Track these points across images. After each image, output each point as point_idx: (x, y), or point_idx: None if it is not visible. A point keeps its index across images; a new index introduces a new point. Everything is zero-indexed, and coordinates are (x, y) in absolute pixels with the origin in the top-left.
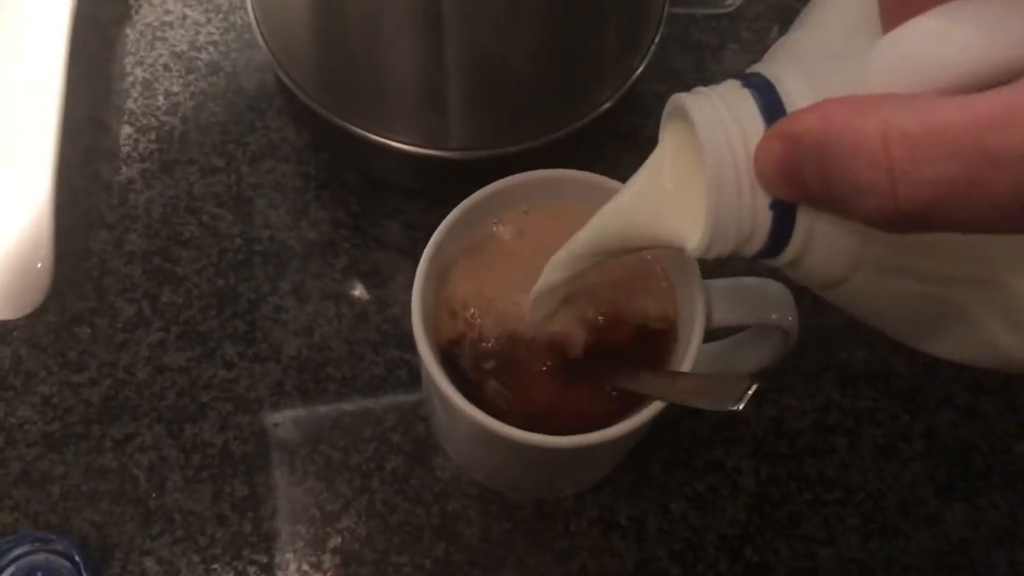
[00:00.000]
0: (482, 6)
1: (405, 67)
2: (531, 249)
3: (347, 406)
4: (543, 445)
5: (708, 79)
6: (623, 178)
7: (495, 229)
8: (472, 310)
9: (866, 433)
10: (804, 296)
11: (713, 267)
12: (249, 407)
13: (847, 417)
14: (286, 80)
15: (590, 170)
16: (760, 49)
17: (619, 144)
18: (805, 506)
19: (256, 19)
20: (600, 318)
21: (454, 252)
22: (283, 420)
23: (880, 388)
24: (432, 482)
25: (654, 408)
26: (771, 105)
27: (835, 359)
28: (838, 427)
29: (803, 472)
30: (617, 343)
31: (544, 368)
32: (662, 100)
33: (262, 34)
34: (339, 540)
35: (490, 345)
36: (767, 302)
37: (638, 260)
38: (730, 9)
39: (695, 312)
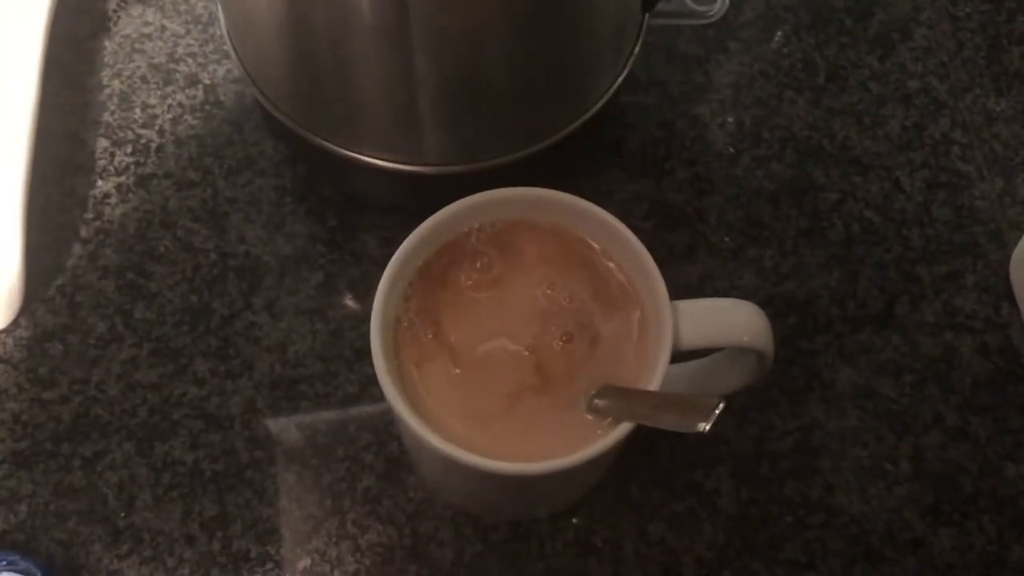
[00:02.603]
0: (451, 22)
1: (377, 85)
2: (501, 268)
3: (320, 425)
4: (509, 472)
5: (693, 90)
6: (608, 191)
7: (464, 247)
8: (438, 330)
9: (851, 455)
10: (786, 315)
11: (691, 288)
12: (220, 425)
13: (831, 438)
14: (258, 95)
15: (574, 181)
16: (747, 60)
17: (604, 155)
18: (787, 529)
19: (229, 35)
20: (568, 338)
21: (420, 270)
22: (254, 438)
23: (866, 408)
24: (404, 503)
25: (620, 431)
26: None
27: (819, 378)
28: (822, 448)
29: (785, 494)
30: (585, 363)
31: (513, 389)
32: (647, 111)
33: (235, 50)
34: (309, 561)
35: (458, 365)
36: (738, 323)
37: (606, 280)
38: (712, 20)
39: (662, 332)
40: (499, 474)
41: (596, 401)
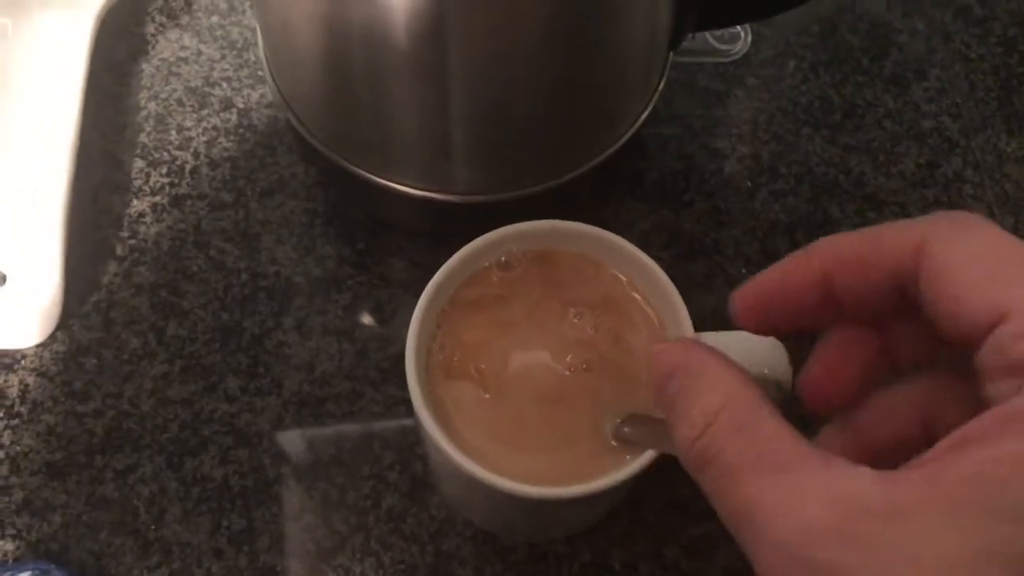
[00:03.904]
0: (487, 60)
1: (410, 114)
2: (529, 297)
3: (345, 443)
4: (534, 496)
5: (713, 124)
6: (629, 221)
7: (494, 276)
8: (468, 355)
9: None
10: (802, 348)
11: (707, 319)
12: (249, 441)
13: None
14: (293, 120)
15: (597, 211)
16: (765, 96)
17: (623, 187)
18: None
19: (267, 60)
20: (593, 366)
21: (452, 298)
22: (282, 455)
23: None
24: (427, 521)
25: (644, 459)
26: None
27: None
28: None
29: None
30: (610, 391)
31: (540, 414)
32: (667, 144)
33: (272, 75)
34: None
35: (487, 390)
36: (760, 355)
37: (632, 311)
38: (734, 58)
39: None
40: (525, 497)
41: (624, 429)
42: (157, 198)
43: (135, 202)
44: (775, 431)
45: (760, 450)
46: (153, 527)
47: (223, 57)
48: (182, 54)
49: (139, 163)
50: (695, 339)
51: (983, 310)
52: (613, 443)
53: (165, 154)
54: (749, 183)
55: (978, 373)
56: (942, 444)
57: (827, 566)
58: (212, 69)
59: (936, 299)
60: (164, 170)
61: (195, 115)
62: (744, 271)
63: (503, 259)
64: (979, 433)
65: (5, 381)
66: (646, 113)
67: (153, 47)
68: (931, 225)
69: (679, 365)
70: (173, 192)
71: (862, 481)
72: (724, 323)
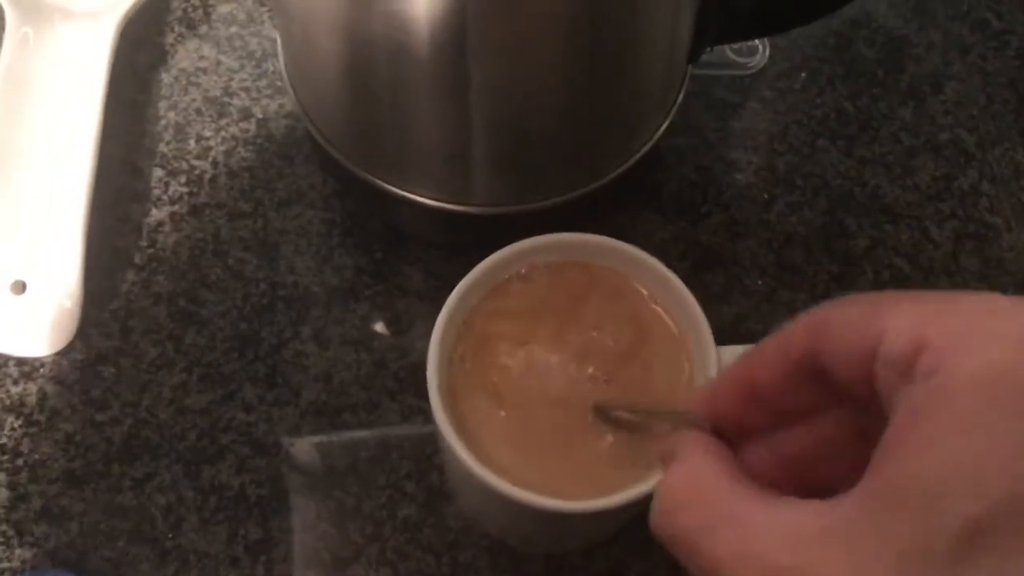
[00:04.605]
0: (508, 70)
1: (430, 126)
2: (550, 310)
3: (362, 453)
4: (552, 508)
5: (729, 136)
6: (646, 232)
7: (515, 288)
8: (489, 366)
9: None
10: None
11: (725, 331)
12: (267, 451)
13: None
14: (312, 131)
15: (615, 221)
16: (781, 108)
17: (640, 199)
18: None
19: (287, 72)
20: (612, 379)
21: (473, 309)
22: (299, 465)
23: None
24: (444, 532)
25: (661, 474)
26: None
27: None
28: None
29: None
30: (630, 406)
31: (558, 427)
32: (684, 155)
33: (292, 85)
34: None
35: (505, 401)
36: None
37: (652, 324)
38: (752, 71)
39: (708, 378)
40: (543, 509)
41: (615, 413)
42: (176, 207)
43: (154, 211)
44: (729, 491)
45: (716, 512)
46: (170, 536)
47: (242, 67)
48: (201, 64)
49: (158, 172)
50: (694, 435)
51: (866, 341)
52: (609, 438)
53: (184, 163)
54: (765, 195)
55: (883, 402)
56: (873, 459)
57: None
58: (231, 79)
59: (829, 356)
60: (183, 179)
61: (214, 125)
62: (760, 283)
63: (523, 271)
64: (891, 439)
65: (24, 389)
66: (665, 125)
67: (172, 57)
68: (826, 305)
69: (668, 455)
70: (192, 201)
71: (805, 516)
72: (741, 334)
